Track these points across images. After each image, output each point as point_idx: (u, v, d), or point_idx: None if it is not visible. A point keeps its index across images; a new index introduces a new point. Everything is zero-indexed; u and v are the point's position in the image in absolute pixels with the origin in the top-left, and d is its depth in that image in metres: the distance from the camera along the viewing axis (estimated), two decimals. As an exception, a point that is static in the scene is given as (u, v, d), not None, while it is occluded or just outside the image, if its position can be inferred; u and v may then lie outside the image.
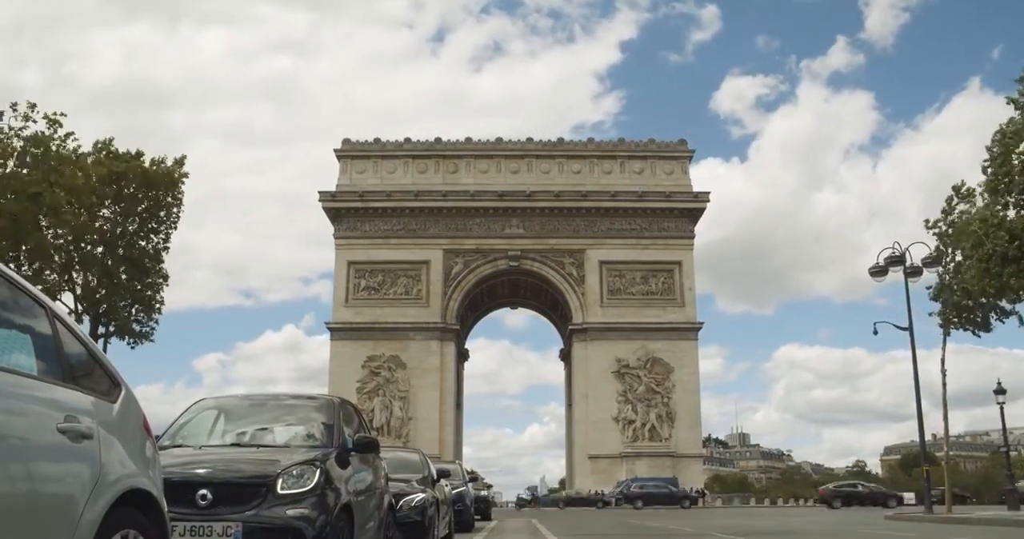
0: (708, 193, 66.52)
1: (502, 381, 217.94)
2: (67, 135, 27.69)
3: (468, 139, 67.41)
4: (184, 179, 31.22)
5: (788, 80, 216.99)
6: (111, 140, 30.58)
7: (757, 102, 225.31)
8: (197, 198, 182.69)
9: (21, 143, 26.70)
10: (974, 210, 25.46)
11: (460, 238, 65.18)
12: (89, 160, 29.23)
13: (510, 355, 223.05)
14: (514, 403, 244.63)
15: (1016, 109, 23.82)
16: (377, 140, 67.28)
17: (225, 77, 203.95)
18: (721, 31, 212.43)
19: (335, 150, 67.09)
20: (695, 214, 66.18)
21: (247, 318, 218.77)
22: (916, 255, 28.29)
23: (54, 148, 27.21)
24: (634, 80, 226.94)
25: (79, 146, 28.94)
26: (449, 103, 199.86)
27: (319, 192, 65.95)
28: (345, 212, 65.44)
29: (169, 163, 31.10)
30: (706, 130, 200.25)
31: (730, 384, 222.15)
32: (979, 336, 27.39)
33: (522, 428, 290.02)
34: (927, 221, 27.45)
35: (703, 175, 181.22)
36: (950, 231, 26.43)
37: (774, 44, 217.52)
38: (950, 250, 26.71)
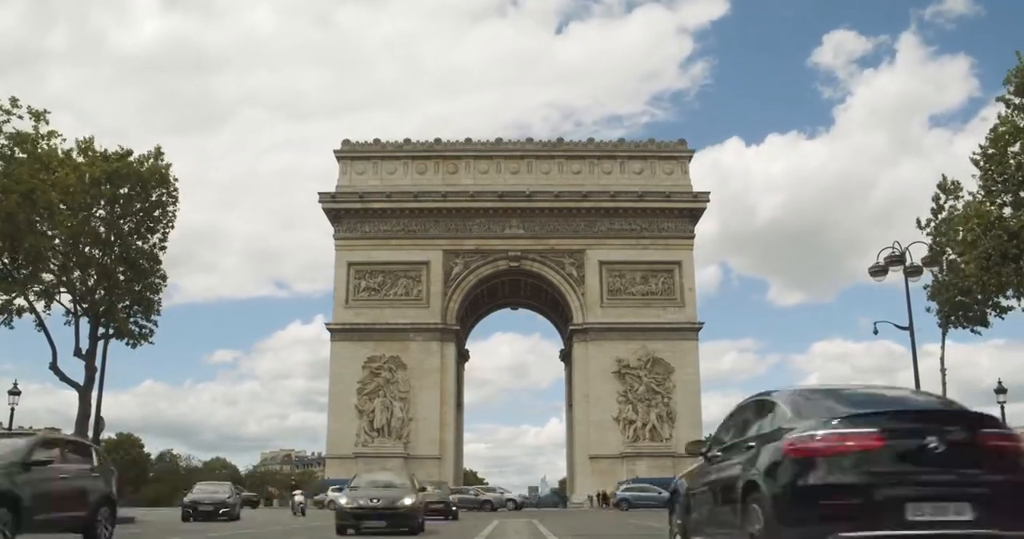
0: (708, 193, 66.56)
1: (530, 375, 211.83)
2: (50, 133, 27.14)
3: (468, 140, 67.49)
4: (171, 173, 30.88)
5: (891, 39, 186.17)
6: (91, 139, 30.38)
7: (856, 63, 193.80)
8: (232, 179, 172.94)
9: (4, 141, 26.02)
10: (961, 205, 25.46)
11: (460, 239, 65.17)
12: (79, 160, 28.90)
13: (541, 350, 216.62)
14: (537, 401, 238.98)
15: (1008, 108, 23.78)
16: (377, 141, 67.37)
17: (274, 36, 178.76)
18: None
19: (335, 151, 67.16)
20: (695, 214, 66.18)
21: (276, 309, 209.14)
22: (918, 254, 28.27)
23: (39, 147, 26.67)
24: (733, 40, 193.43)
25: (64, 142, 28.46)
26: (521, 69, 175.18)
27: (319, 193, 66.07)
28: (345, 213, 65.47)
29: (152, 157, 30.49)
30: (794, 94, 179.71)
31: (759, 379, 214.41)
32: (978, 333, 27.37)
33: (543, 425, 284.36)
34: (918, 220, 27.48)
35: (780, 149, 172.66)
36: (942, 228, 26.46)
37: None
38: (945, 249, 26.69)
